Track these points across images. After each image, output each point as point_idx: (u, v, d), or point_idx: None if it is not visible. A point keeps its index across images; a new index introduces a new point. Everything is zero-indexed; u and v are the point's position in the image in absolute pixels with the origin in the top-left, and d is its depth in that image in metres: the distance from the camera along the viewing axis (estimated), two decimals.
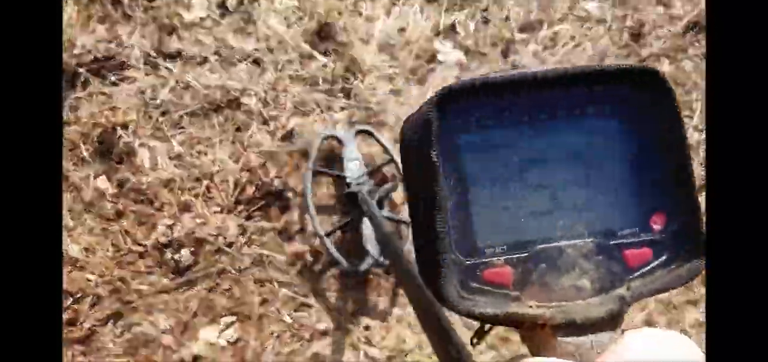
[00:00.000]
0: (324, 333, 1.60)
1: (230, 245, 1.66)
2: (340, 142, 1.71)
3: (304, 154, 1.75)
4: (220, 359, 1.57)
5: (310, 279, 1.66)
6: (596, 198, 0.36)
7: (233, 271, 1.65)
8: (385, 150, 1.72)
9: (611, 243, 0.35)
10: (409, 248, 1.52)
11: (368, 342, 1.60)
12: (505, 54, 1.95)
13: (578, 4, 2.01)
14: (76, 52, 1.76)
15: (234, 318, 1.62)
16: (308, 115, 1.81)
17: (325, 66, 1.86)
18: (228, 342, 1.60)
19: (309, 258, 1.66)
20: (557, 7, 1.99)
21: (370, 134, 1.75)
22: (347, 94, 1.84)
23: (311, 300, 1.63)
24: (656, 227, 0.36)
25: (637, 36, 1.97)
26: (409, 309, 1.64)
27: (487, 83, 0.33)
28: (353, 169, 1.66)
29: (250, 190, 1.72)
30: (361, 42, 1.89)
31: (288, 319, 1.61)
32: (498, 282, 0.34)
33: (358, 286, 1.67)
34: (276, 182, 1.71)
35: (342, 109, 1.82)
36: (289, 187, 1.72)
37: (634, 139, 0.36)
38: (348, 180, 1.64)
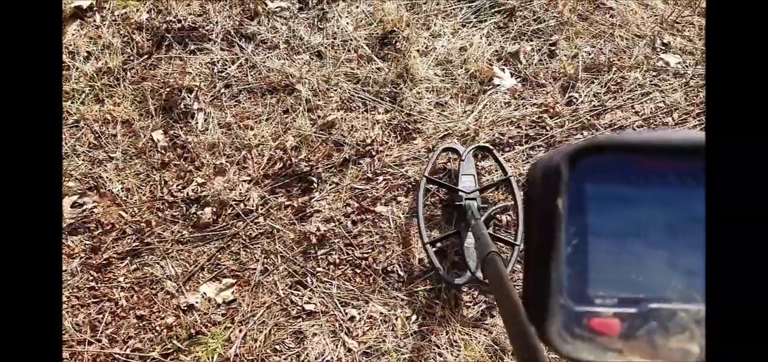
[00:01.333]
0: (310, 314, 1.64)
1: (248, 213, 1.78)
2: (458, 155, 1.78)
3: (339, 147, 1.85)
4: (211, 314, 1.67)
5: (312, 259, 1.72)
6: None
7: (244, 237, 1.76)
8: (502, 170, 1.76)
9: None
10: (509, 271, 1.53)
11: (349, 332, 1.60)
12: (564, 90, 1.92)
13: (658, 54, 1.94)
14: (168, 18, 2.06)
15: (234, 280, 1.71)
16: (351, 111, 1.92)
17: (379, 69, 1.97)
18: (223, 301, 1.69)
19: (314, 240, 1.72)
20: (633, 55, 1.94)
21: (490, 152, 1.81)
22: (393, 99, 1.93)
23: (307, 281, 1.68)
24: None
25: None
26: (399, 312, 1.63)
27: (622, 144, 0.36)
28: (467, 183, 1.73)
29: (278, 167, 1.84)
30: (419, 53, 1.99)
31: (281, 293, 1.67)
32: (603, 331, 0.37)
33: (353, 277, 1.69)
34: (303, 165, 1.82)
35: (386, 111, 1.91)
36: (315, 173, 1.82)
37: None
38: (460, 193, 1.70)
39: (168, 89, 1.95)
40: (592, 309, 0.36)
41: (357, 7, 2.10)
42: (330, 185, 1.81)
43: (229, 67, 2.02)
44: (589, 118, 1.87)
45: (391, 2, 2.11)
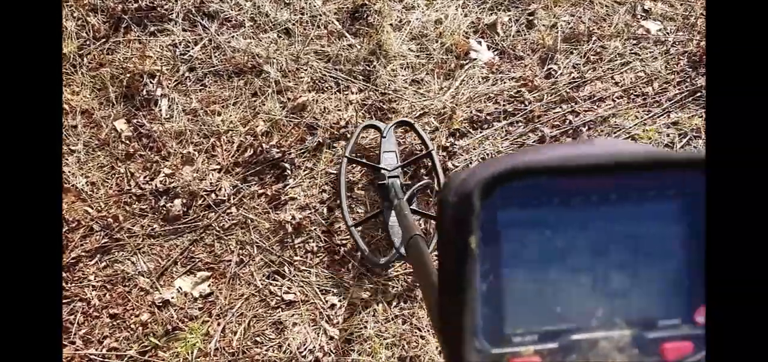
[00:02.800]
0: (290, 304, 1.72)
1: (220, 203, 1.85)
2: (379, 131, 1.88)
3: (312, 130, 1.92)
4: (188, 309, 1.74)
5: (288, 248, 1.80)
6: (639, 286, 0.38)
7: (218, 229, 1.83)
8: (424, 144, 1.86)
9: (650, 336, 0.37)
10: (431, 250, 1.62)
11: (329, 320, 1.70)
12: (543, 62, 2.01)
13: (638, 21, 2.02)
14: None
15: (210, 273, 1.79)
16: (323, 91, 1.98)
17: (351, 46, 2.03)
18: (200, 294, 1.76)
19: (290, 229, 1.80)
20: (613, 23, 2.03)
21: (411, 126, 1.90)
22: (367, 77, 1.99)
23: (285, 270, 1.76)
24: (700, 320, 0.38)
25: (696, 63, 1.95)
26: (380, 297, 1.72)
27: (539, 167, 0.35)
28: (389, 160, 1.83)
29: (249, 153, 1.90)
30: (392, 28, 2.05)
31: (259, 284, 1.75)
32: None
33: (332, 264, 1.78)
34: (275, 151, 1.88)
35: (359, 91, 1.97)
36: (288, 158, 1.88)
37: (687, 228, 0.38)
38: (382, 171, 1.80)
39: (128, 75, 1.99)
40: (510, 350, 0.36)
41: None
42: (304, 171, 1.88)
43: (193, 48, 2.06)
44: (568, 90, 1.96)
45: None
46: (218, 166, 1.90)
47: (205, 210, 1.86)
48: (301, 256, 1.79)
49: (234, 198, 1.86)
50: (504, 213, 0.37)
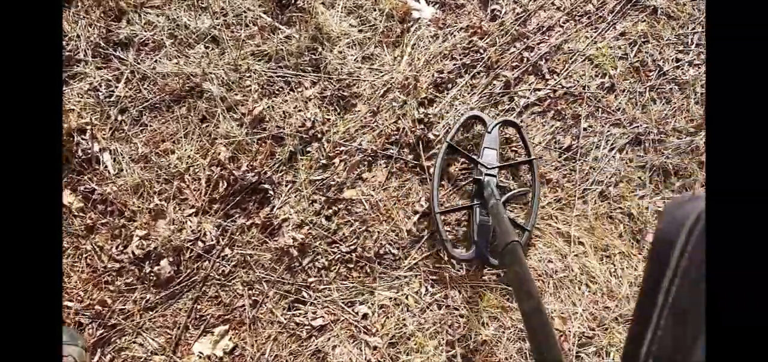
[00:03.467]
0: (322, 329, 2.31)
1: (210, 249, 2.36)
2: (484, 125, 2.54)
3: (279, 141, 2.44)
4: None
5: (299, 272, 2.35)
6: None
7: (218, 277, 2.33)
8: (527, 150, 2.55)
9: None
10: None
11: (367, 331, 2.31)
12: (484, 4, 2.69)
13: None
14: None
15: (226, 326, 2.33)
16: (276, 95, 2.51)
17: (288, 38, 2.55)
18: (224, 352, 2.29)
19: (294, 252, 2.35)
20: None
21: (517, 129, 2.57)
22: (316, 67, 2.56)
23: (304, 296, 2.33)
24: None
25: None
26: (407, 290, 2.35)
27: None
28: (489, 157, 2.49)
29: (223, 187, 2.39)
30: (325, 6, 2.60)
31: (282, 319, 2.32)
32: None
33: (349, 274, 2.36)
34: (250, 175, 2.40)
35: (313, 84, 2.52)
36: (265, 178, 2.41)
37: None
38: (480, 167, 2.46)
39: None
40: None
41: None
42: (286, 187, 2.46)
43: (116, 87, 2.50)
44: (517, 28, 2.69)
45: None
46: (193, 209, 2.41)
47: (198, 262, 2.38)
48: (315, 276, 2.39)
49: (223, 240, 2.38)
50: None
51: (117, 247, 2.40)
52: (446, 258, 2.45)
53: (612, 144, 2.61)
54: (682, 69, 2.74)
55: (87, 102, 2.52)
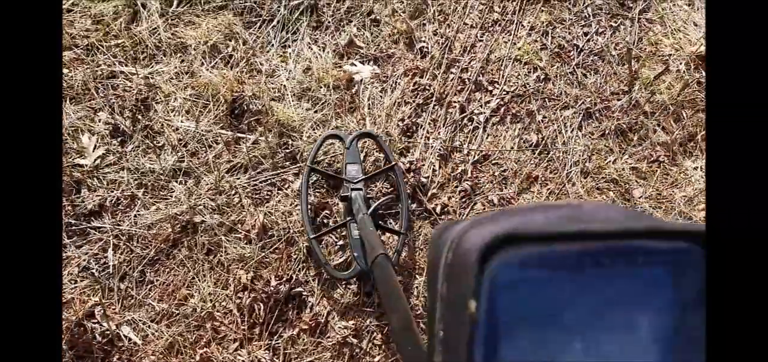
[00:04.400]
0: None
1: None
2: (342, 142, 2.61)
3: (291, 242, 2.47)
4: None
5: (362, 357, 2.38)
6: (630, 352, 0.55)
7: None
8: (387, 158, 2.65)
9: None
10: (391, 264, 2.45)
11: None
12: (410, 46, 2.90)
13: None
14: None
15: None
16: (268, 200, 2.54)
17: (255, 143, 2.60)
18: None
19: (354, 340, 2.38)
20: None
21: (373, 138, 2.68)
22: (293, 159, 2.62)
23: None
24: None
25: None
26: None
27: (533, 236, 0.53)
28: (352, 172, 2.57)
29: (257, 308, 2.37)
30: (275, 101, 2.68)
31: None
32: None
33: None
34: (282, 287, 2.40)
35: (296, 176, 2.58)
36: (294, 283, 2.42)
37: (675, 296, 0.55)
38: (345, 183, 2.53)
39: (69, 334, 2.24)
40: None
41: (175, 100, 2.63)
42: (315, 281, 2.47)
43: (106, 257, 2.38)
44: (447, 57, 2.90)
45: (208, 71, 2.69)
46: (237, 343, 2.35)
47: None
48: (379, 353, 2.40)
49: (278, 359, 2.35)
50: (501, 276, 0.52)
51: None
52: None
53: (570, 125, 2.85)
54: (593, 40, 3.06)
55: (84, 285, 2.37)
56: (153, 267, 2.45)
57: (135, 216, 2.50)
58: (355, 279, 2.47)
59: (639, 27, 3.10)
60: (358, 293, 2.48)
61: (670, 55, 3.03)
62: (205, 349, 2.35)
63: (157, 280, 2.43)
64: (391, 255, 2.43)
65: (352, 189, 2.48)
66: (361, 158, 2.63)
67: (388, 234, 2.58)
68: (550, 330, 0.53)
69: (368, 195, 2.56)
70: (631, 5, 3.17)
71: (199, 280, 2.45)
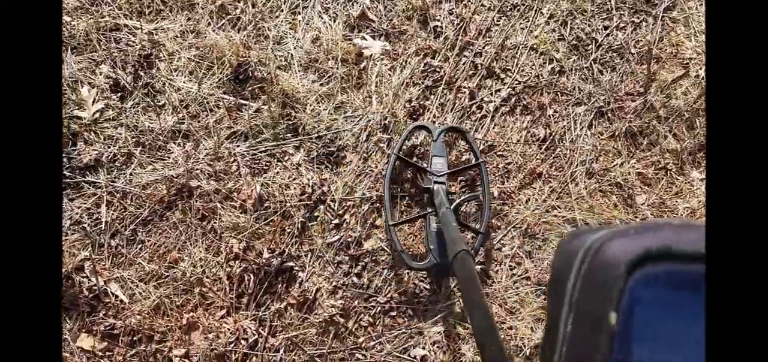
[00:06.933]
0: None
1: (255, 344, 2.54)
2: (430, 133, 2.81)
3: (287, 216, 2.68)
4: None
5: (347, 337, 2.60)
6: None
7: None
8: (475, 154, 2.84)
9: None
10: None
11: None
12: (424, 24, 3.09)
13: None
14: None
15: None
16: (267, 171, 2.75)
17: (258, 111, 2.80)
18: None
19: (339, 319, 2.59)
20: None
21: (462, 134, 2.88)
22: (294, 131, 2.82)
23: (359, 357, 2.59)
24: None
25: None
26: (452, 320, 2.67)
27: (678, 253, 0.56)
28: (437, 165, 2.75)
29: (247, 278, 2.59)
30: (282, 70, 2.88)
31: None
32: None
33: (394, 322, 2.64)
34: (274, 259, 2.62)
35: (297, 149, 2.79)
36: (286, 256, 2.63)
37: None
38: (429, 175, 2.72)
39: None
40: None
41: (179, 60, 2.84)
42: (307, 257, 2.67)
43: (99, 212, 2.60)
44: (461, 38, 3.09)
45: (214, 32, 2.90)
46: (224, 310, 2.56)
47: (246, 361, 2.52)
48: (364, 335, 2.62)
49: (264, 330, 2.56)
50: (639, 291, 0.55)
51: None
52: (479, 272, 2.76)
53: (580, 123, 3.01)
54: (613, 35, 3.20)
55: (75, 238, 2.57)
56: (145, 227, 2.65)
57: (130, 174, 2.69)
58: (424, 269, 2.66)
59: (662, 26, 3.25)
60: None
61: (691, 58, 3.17)
62: (191, 313, 2.55)
63: (148, 241, 2.63)
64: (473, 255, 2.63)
65: (436, 183, 2.68)
66: (447, 153, 2.81)
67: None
68: (677, 346, 0.57)
69: (452, 192, 2.75)
70: (656, 2, 3.31)
71: (190, 245, 2.64)
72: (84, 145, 2.70)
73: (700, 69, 3.14)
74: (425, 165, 2.81)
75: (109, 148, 2.71)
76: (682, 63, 3.19)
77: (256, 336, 2.55)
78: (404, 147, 2.87)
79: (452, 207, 2.54)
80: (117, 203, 2.65)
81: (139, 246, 2.62)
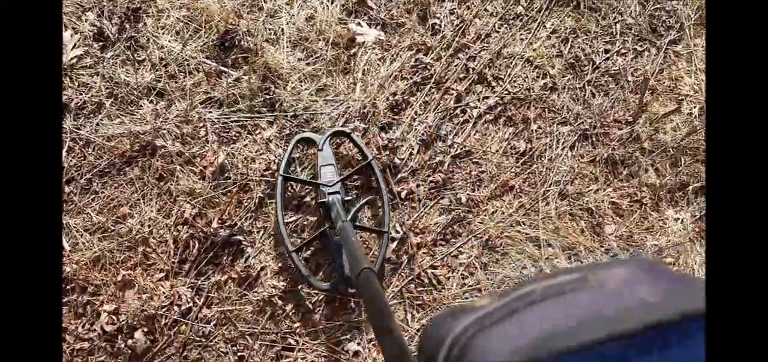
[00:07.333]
0: None
1: (187, 312, 2.00)
2: (315, 144, 2.21)
3: (245, 189, 2.12)
4: None
5: (283, 320, 2.04)
6: None
7: (198, 339, 1.98)
8: (362, 154, 2.24)
9: None
10: (380, 262, 2.09)
11: None
12: (423, 19, 2.45)
13: None
14: None
15: None
16: (235, 141, 2.18)
17: (237, 80, 2.23)
18: None
19: (279, 302, 2.03)
20: None
21: (347, 136, 2.26)
22: (271, 106, 2.24)
23: (291, 342, 2.02)
24: None
25: None
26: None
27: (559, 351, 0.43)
28: (328, 175, 2.16)
29: (194, 246, 2.04)
30: (269, 44, 2.29)
31: None
32: None
33: (335, 312, 2.07)
34: (223, 230, 2.07)
35: (270, 124, 2.21)
36: (236, 230, 2.08)
37: None
38: (322, 188, 2.13)
39: None
40: None
41: (168, 18, 2.28)
42: (259, 233, 2.12)
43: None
44: (457, 40, 2.45)
45: None
46: (163, 274, 2.05)
47: (174, 327, 2.02)
48: (301, 320, 2.06)
49: (200, 300, 2.04)
50: None
51: (83, 326, 1.99)
52: (423, 279, 2.21)
53: (563, 142, 2.40)
54: (612, 59, 2.57)
55: None
56: (101, 178, 2.13)
57: (97, 124, 2.17)
58: (339, 286, 2.09)
59: (664, 57, 2.58)
60: (308, 258, 2.08)
61: (687, 95, 2.51)
62: (129, 271, 2.04)
63: (102, 192, 2.12)
64: (376, 258, 2.11)
65: (329, 194, 2.10)
66: (335, 159, 2.21)
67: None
68: None
69: (346, 198, 2.15)
70: (663, 33, 2.62)
71: (143, 203, 2.12)
72: None
73: (695, 107, 2.45)
74: (315, 179, 2.19)
75: (81, 94, 2.19)
76: (677, 98, 2.50)
77: (191, 305, 2.03)
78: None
79: (350, 217, 2.00)
80: (78, 150, 2.13)
81: (92, 196, 2.11)
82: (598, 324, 0.44)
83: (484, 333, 0.46)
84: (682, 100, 2.49)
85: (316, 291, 2.10)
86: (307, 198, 2.22)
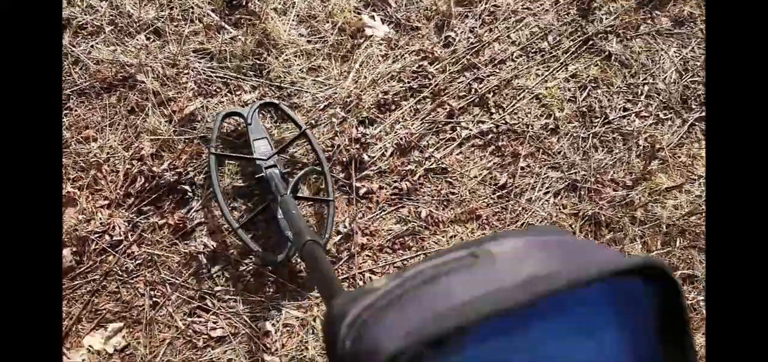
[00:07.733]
0: (220, 340, 1.73)
1: (117, 244, 1.78)
2: (243, 118, 1.88)
3: (206, 142, 1.89)
4: None
5: (206, 279, 1.79)
6: None
7: (121, 273, 1.77)
8: (297, 124, 1.90)
9: None
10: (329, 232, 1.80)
11: (267, 349, 1.73)
12: (439, 29, 2.11)
13: None
14: None
15: (121, 323, 1.73)
16: (212, 96, 1.94)
17: (234, 39, 1.99)
18: (115, 349, 1.71)
19: (204, 259, 1.78)
20: None
21: (275, 107, 1.92)
22: (259, 72, 1.98)
23: (208, 304, 1.76)
24: None
25: (585, 11, 2.15)
26: (316, 312, 1.78)
27: (451, 332, 0.33)
28: (262, 148, 1.83)
29: (141, 182, 1.84)
30: (276, 13, 2.04)
31: (181, 325, 1.73)
32: None
33: (260, 287, 1.80)
34: (169, 174, 1.84)
35: (253, 88, 1.96)
36: (186, 179, 1.85)
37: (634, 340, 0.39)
38: (258, 162, 1.80)
39: None
40: None
41: None
42: (208, 190, 1.86)
43: None
44: (468, 57, 2.08)
45: None
46: (106, 201, 1.83)
47: (102, 255, 1.79)
48: (223, 285, 1.79)
49: (132, 236, 1.80)
50: None
51: None
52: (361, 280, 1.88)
53: (548, 187, 1.94)
54: (629, 119, 2.06)
55: None
56: (79, 97, 1.90)
57: (92, 46, 1.96)
58: (292, 258, 1.78)
59: (687, 132, 2.05)
60: (248, 227, 1.79)
61: (701, 177, 1.97)
62: (75, 190, 1.84)
63: (75, 111, 1.89)
64: (322, 228, 1.83)
65: (266, 168, 1.77)
66: (268, 132, 1.90)
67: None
68: None
69: (285, 171, 1.83)
70: (694, 107, 2.09)
71: (109, 131, 1.89)
72: (66, 3, 1.99)
73: (703, 190, 1.95)
74: (249, 154, 1.85)
75: (85, 15, 1.98)
76: (689, 177, 1.98)
77: (122, 238, 1.78)
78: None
79: (289, 190, 1.65)
80: (66, 66, 1.92)
81: (66, 111, 1.90)
82: (480, 303, 0.35)
83: (379, 317, 0.38)
84: (694, 180, 1.99)
85: (253, 263, 1.84)
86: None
